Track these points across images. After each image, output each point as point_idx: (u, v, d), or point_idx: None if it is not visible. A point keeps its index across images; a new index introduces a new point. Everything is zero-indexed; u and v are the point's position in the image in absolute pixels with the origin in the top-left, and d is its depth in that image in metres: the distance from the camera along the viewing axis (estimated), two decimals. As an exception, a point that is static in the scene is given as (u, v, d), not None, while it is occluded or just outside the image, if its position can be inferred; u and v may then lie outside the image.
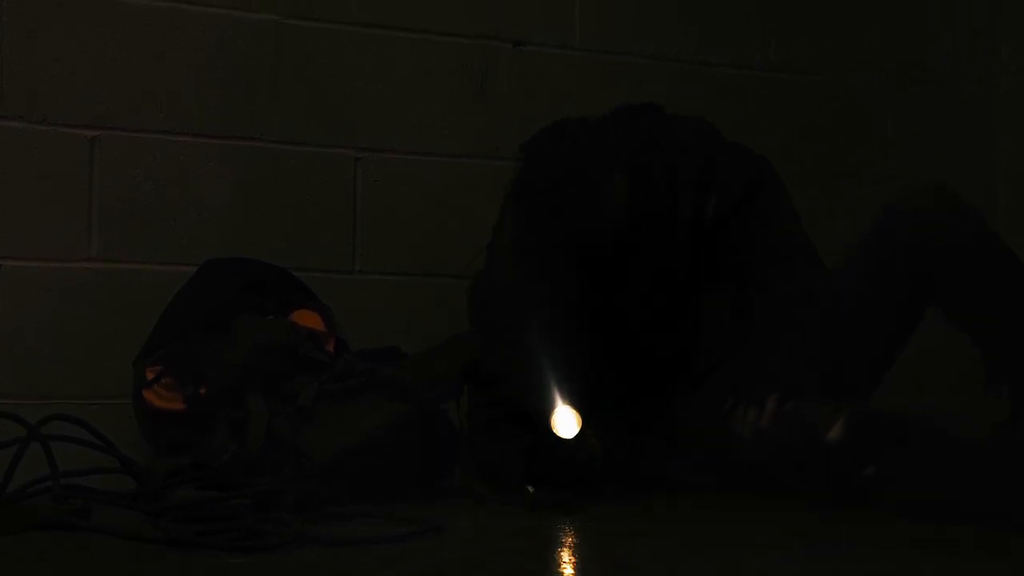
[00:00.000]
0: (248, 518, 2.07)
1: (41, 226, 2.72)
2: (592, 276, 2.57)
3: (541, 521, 2.29)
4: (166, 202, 2.82)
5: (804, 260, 2.64)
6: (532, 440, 2.45)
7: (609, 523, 2.33)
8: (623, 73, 3.20)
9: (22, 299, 2.70)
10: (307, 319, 2.69)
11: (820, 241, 3.33)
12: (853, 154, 3.43)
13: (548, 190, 2.53)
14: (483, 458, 2.57)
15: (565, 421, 2.41)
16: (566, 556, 2.01)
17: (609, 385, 2.56)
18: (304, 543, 1.97)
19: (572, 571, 1.91)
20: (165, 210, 2.82)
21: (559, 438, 2.40)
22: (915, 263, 2.56)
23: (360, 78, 2.98)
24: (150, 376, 2.60)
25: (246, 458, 2.44)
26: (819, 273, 2.64)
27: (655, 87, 3.22)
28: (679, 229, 2.59)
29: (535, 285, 2.55)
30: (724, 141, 2.69)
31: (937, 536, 2.10)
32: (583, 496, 2.41)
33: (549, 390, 2.42)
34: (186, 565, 1.88)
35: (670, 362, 2.63)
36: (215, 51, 2.86)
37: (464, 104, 3.05)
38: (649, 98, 3.15)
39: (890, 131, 3.47)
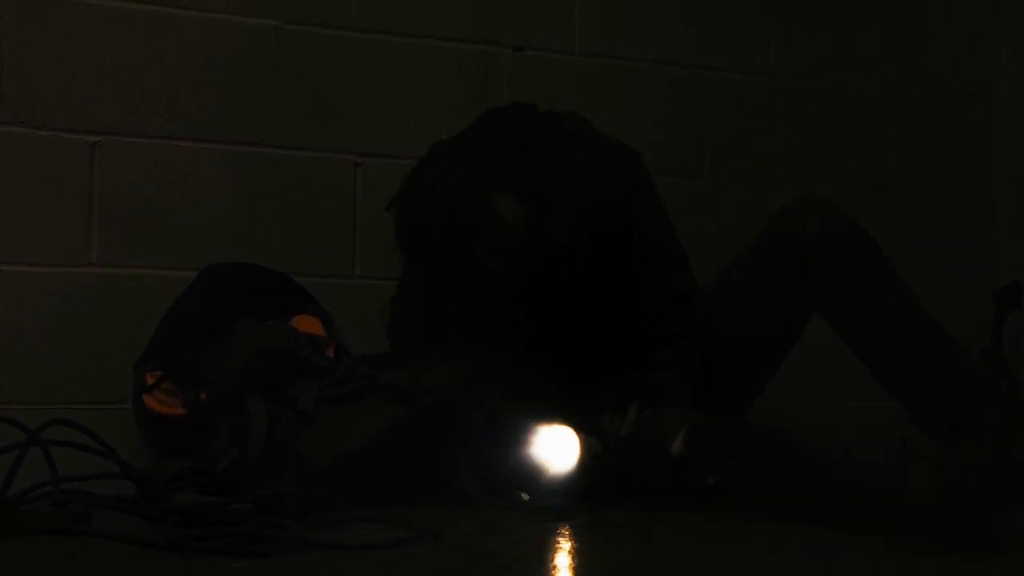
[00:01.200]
0: (248, 522, 2.07)
1: (42, 230, 2.73)
2: (489, 302, 2.56)
3: (539, 525, 2.29)
4: (166, 206, 2.82)
5: (675, 262, 2.66)
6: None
7: (608, 526, 2.33)
8: (623, 77, 3.21)
9: (23, 303, 2.71)
10: (307, 324, 2.69)
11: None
12: (853, 157, 3.43)
13: (427, 234, 2.53)
14: (480, 459, 2.58)
15: (560, 447, 2.44)
16: (565, 560, 2.01)
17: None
18: (304, 547, 1.97)
19: (571, 575, 1.91)
20: (165, 214, 2.82)
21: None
22: (795, 274, 2.58)
23: (360, 82, 2.98)
24: (150, 380, 2.60)
25: (246, 462, 2.43)
26: (689, 275, 2.67)
27: (655, 91, 3.23)
28: (567, 241, 2.57)
29: (435, 315, 2.56)
30: (595, 138, 2.67)
31: (937, 536, 2.09)
32: (580, 499, 2.42)
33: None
34: (186, 569, 1.88)
35: (578, 375, 2.63)
36: (215, 55, 2.86)
37: (464, 109, 3.05)
38: (650, 101, 3.18)
39: (890, 134, 3.47)
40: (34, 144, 2.72)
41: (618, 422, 2.55)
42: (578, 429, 2.48)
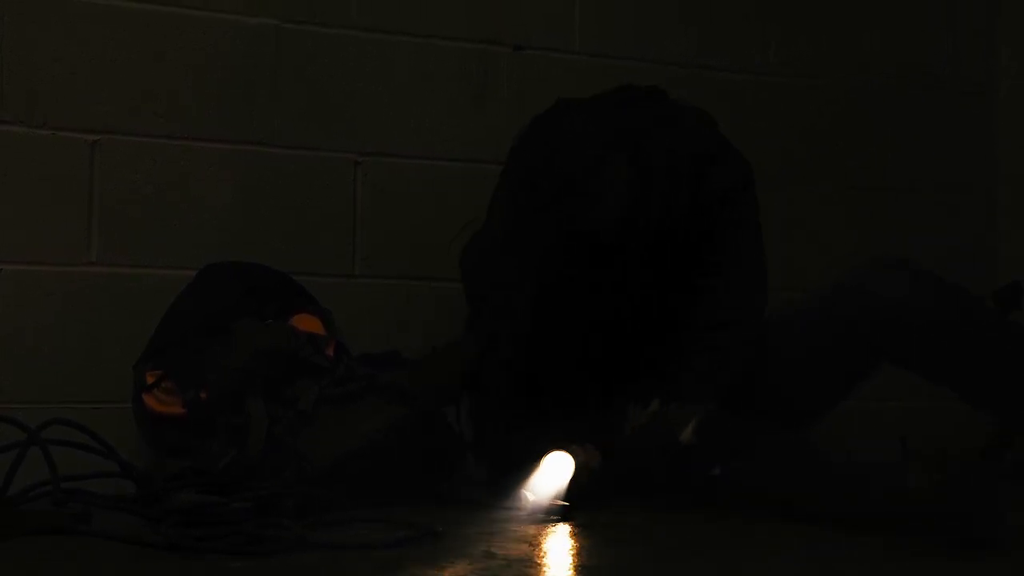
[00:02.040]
0: (248, 522, 2.07)
1: (42, 230, 2.73)
2: (580, 265, 2.57)
3: (540, 525, 2.29)
4: (167, 206, 2.82)
5: (746, 284, 2.66)
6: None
7: (608, 526, 2.34)
8: (623, 76, 3.18)
9: (23, 303, 2.71)
10: (307, 323, 2.69)
11: (817, 244, 3.34)
12: (853, 157, 3.43)
13: (542, 175, 2.53)
14: (491, 452, 2.59)
15: (557, 466, 2.45)
16: (566, 560, 2.01)
17: (577, 376, 2.60)
18: (304, 547, 1.97)
19: (572, 575, 1.91)
20: (166, 214, 2.82)
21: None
22: (865, 337, 2.59)
23: (360, 82, 2.98)
24: (150, 380, 2.61)
25: (246, 462, 2.43)
26: (754, 301, 2.68)
27: (655, 90, 3.22)
28: (669, 219, 2.58)
29: (523, 263, 2.56)
30: (722, 137, 2.70)
31: (937, 536, 2.10)
32: (582, 500, 2.42)
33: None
34: (186, 569, 1.88)
35: (615, 365, 2.65)
36: (215, 55, 2.86)
37: (464, 108, 3.06)
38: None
39: (890, 134, 3.47)
40: (34, 144, 2.72)
41: (639, 413, 2.57)
42: (582, 438, 2.49)
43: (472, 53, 3.07)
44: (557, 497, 2.41)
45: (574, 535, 2.22)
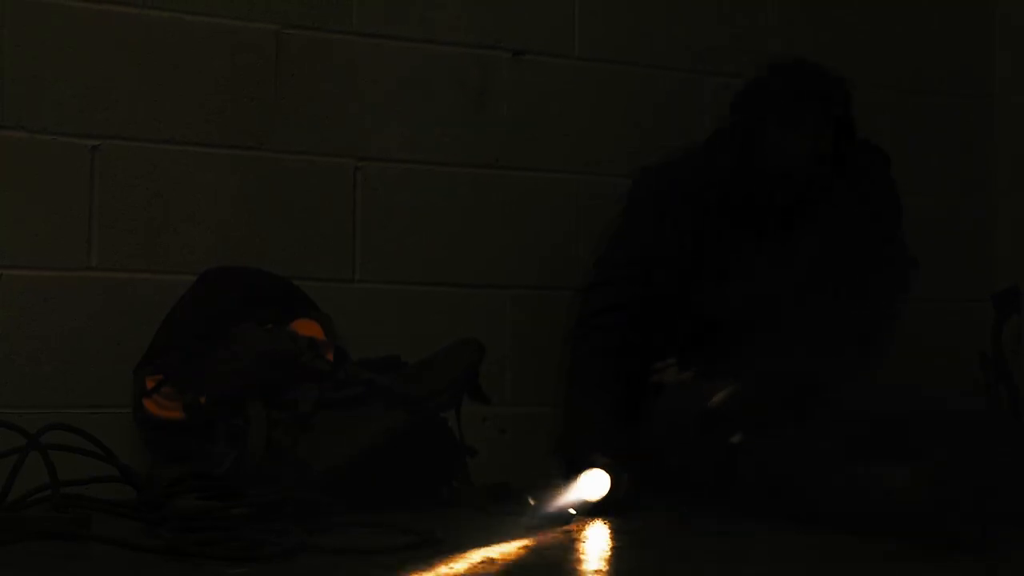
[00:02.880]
0: (248, 528, 2.07)
1: (42, 234, 2.72)
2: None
3: (542, 531, 2.29)
4: (166, 211, 2.82)
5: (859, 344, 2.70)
6: None
7: (609, 530, 2.34)
8: (623, 82, 3.21)
9: (22, 308, 2.70)
10: (307, 328, 2.70)
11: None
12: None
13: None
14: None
15: (593, 484, 2.45)
16: (566, 567, 2.01)
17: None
18: (304, 553, 1.97)
19: (571, 579, 1.92)
20: (165, 219, 2.82)
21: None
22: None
23: (360, 87, 2.98)
24: (150, 385, 2.61)
25: (246, 467, 2.44)
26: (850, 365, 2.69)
27: (654, 93, 3.22)
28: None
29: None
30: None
31: (934, 537, 2.10)
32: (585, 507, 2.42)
33: None
34: (186, 574, 1.88)
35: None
36: (215, 60, 2.86)
37: (464, 113, 3.05)
38: (648, 104, 3.17)
39: (889, 136, 3.46)
40: (34, 148, 2.72)
41: (674, 372, 2.65)
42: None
43: (471, 57, 3.07)
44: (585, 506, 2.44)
45: (576, 540, 2.22)
